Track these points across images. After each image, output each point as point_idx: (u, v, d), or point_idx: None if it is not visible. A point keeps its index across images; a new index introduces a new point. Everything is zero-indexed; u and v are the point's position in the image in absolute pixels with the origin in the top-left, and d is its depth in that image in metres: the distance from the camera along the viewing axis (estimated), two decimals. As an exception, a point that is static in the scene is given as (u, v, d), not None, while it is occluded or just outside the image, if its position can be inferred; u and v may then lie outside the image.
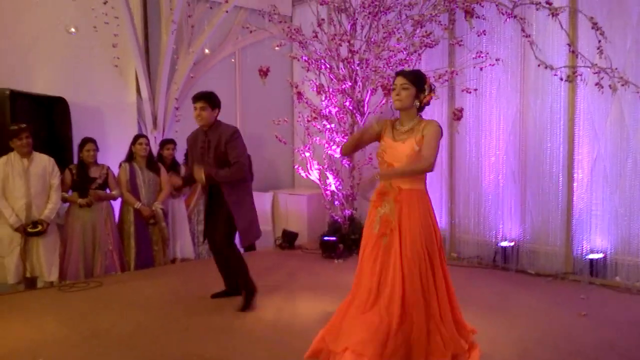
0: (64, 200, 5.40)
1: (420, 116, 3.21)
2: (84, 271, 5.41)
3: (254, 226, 4.58)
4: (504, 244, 5.87)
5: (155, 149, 6.31)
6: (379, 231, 3.10)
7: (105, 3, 6.15)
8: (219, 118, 4.56)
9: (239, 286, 4.56)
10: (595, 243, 5.32)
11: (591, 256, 5.27)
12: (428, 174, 3.20)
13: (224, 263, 4.68)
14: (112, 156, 6.00)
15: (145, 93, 6.73)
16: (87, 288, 5.09)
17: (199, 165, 4.36)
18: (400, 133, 3.16)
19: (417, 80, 3.13)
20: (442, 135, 3.15)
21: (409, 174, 3.10)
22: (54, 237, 5.24)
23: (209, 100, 4.42)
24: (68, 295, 4.92)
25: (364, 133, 3.32)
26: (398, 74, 3.18)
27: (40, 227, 5.01)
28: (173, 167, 6.16)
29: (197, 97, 4.44)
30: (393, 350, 2.87)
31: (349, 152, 3.55)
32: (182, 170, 6.24)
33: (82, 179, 5.45)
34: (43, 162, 5.15)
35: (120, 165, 5.82)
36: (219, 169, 4.34)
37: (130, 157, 5.79)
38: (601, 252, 5.26)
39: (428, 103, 3.21)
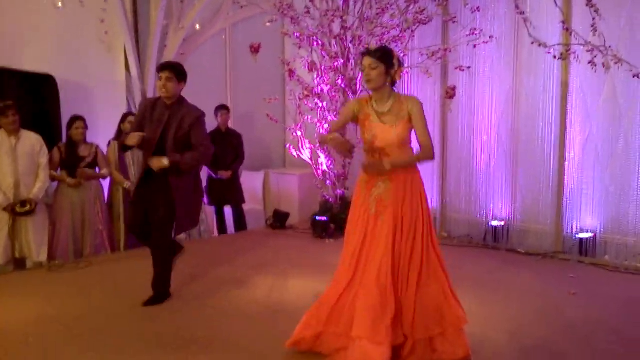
0: (53, 179, 5.34)
1: (394, 90, 3.17)
2: (73, 251, 5.37)
3: (194, 214, 4.37)
4: (495, 223, 5.90)
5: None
6: (376, 211, 3.08)
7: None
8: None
9: (155, 281, 4.20)
10: (585, 222, 5.34)
11: (581, 235, 5.31)
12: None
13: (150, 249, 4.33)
14: (102, 134, 5.93)
15: (134, 70, 6.63)
16: (77, 268, 5.06)
17: (150, 139, 4.01)
18: (384, 115, 3.11)
19: (385, 57, 3.06)
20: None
21: (415, 162, 3.14)
22: (43, 216, 5.19)
23: (175, 71, 4.06)
24: (58, 275, 4.89)
25: (343, 120, 3.28)
26: (364, 54, 3.11)
27: (28, 207, 4.95)
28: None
29: (163, 67, 4.07)
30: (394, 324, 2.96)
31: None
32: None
33: (71, 158, 5.39)
34: (31, 140, 5.07)
35: (109, 143, 5.76)
36: (176, 152, 4.02)
37: (119, 135, 5.72)
38: (591, 231, 5.29)
39: (400, 77, 3.16)
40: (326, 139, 3.12)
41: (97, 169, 5.57)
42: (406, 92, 6.47)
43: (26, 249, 5.04)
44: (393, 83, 3.15)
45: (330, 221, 6.38)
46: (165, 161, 3.96)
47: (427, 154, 3.12)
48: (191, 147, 4.05)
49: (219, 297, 4.30)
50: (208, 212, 6.59)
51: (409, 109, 3.09)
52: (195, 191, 4.33)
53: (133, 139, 3.98)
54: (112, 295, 4.35)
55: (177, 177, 4.05)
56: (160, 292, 4.20)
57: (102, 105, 6.47)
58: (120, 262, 5.32)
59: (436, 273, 3.10)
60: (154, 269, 4.22)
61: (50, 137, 5.56)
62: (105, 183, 5.79)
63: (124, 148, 4.29)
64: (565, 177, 5.42)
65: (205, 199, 6.22)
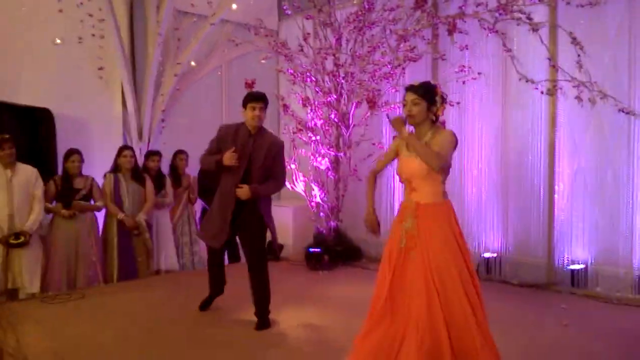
0: (48, 211, 5.36)
1: (437, 126, 3.17)
2: (66, 282, 5.36)
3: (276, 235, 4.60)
4: (487, 255, 5.93)
5: (141, 161, 6.30)
6: (406, 245, 3.10)
7: (91, 16, 6.18)
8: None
9: (257, 306, 4.34)
10: (576, 254, 5.39)
11: (572, 267, 5.34)
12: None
13: (219, 270, 4.64)
14: (98, 167, 5.98)
15: (131, 105, 6.74)
16: (70, 300, 5.04)
17: (237, 169, 4.19)
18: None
19: (427, 94, 3.08)
20: (457, 144, 3.12)
21: (423, 157, 3.03)
22: (37, 248, 5.19)
23: (266, 102, 4.31)
24: (50, 306, 4.87)
25: (389, 157, 3.36)
26: (408, 89, 3.13)
27: (22, 239, 4.96)
28: (158, 178, 6.15)
29: (258, 97, 4.25)
30: None
31: (376, 169, 3.49)
32: (168, 182, 6.24)
33: (66, 190, 5.43)
34: (27, 172, 5.12)
35: (104, 175, 5.81)
36: (260, 182, 4.23)
37: (115, 169, 5.79)
38: (582, 262, 5.33)
39: (442, 113, 3.18)
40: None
41: (92, 201, 5.61)
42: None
43: (19, 279, 5.02)
44: (435, 119, 3.16)
45: (324, 253, 6.40)
46: (248, 192, 4.15)
47: (436, 159, 2.99)
48: (271, 174, 4.29)
49: (209, 328, 4.29)
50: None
51: (440, 138, 3.09)
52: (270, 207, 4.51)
53: (231, 159, 4.13)
54: (104, 327, 4.32)
55: (260, 203, 4.27)
56: (266, 316, 4.33)
57: (99, 139, 6.55)
58: (113, 293, 5.29)
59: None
60: (253, 295, 4.34)
61: (47, 170, 5.61)
62: (100, 215, 5.82)
63: (217, 168, 4.31)
64: (555, 209, 5.50)
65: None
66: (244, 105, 4.28)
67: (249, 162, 4.22)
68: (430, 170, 3.06)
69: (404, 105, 3.13)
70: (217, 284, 4.73)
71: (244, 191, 4.17)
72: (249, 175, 4.22)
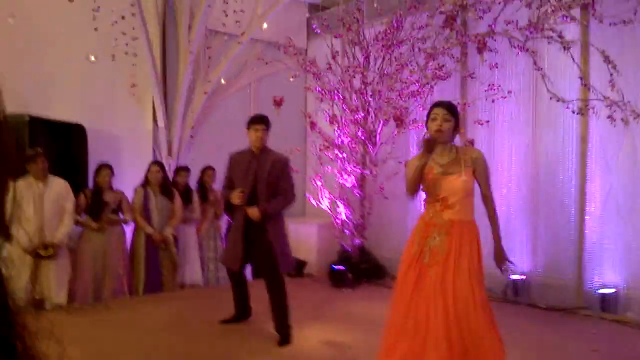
0: (77, 223, 5.47)
1: (454, 144, 3.22)
2: (93, 295, 5.45)
3: (289, 252, 4.61)
4: (515, 277, 5.80)
5: (171, 176, 6.40)
6: (429, 262, 3.08)
7: (124, 34, 6.35)
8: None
9: (276, 319, 4.37)
10: (607, 278, 5.23)
11: (603, 291, 5.18)
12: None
13: (242, 290, 4.72)
14: (128, 182, 6.09)
15: (161, 121, 6.86)
16: (95, 311, 5.11)
17: (243, 189, 4.29)
18: (447, 166, 3.13)
19: (456, 113, 3.15)
20: None
21: (493, 220, 3.22)
22: (66, 260, 5.30)
23: (267, 123, 4.43)
24: (76, 319, 4.94)
25: (419, 172, 3.22)
26: (439, 105, 3.16)
27: (51, 251, 5.07)
28: (186, 193, 6.23)
29: (258, 120, 4.40)
30: None
31: (414, 192, 3.32)
32: (195, 197, 6.31)
33: (96, 204, 5.54)
34: (58, 186, 5.24)
35: (135, 190, 5.91)
36: (267, 199, 4.30)
37: (145, 183, 5.89)
38: (613, 287, 5.17)
39: (459, 134, 3.25)
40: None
41: (121, 215, 5.70)
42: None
43: (46, 290, 5.12)
44: (453, 138, 3.21)
45: (348, 271, 6.36)
46: (257, 213, 4.24)
47: (493, 205, 3.20)
48: (278, 190, 4.35)
49: (233, 344, 4.29)
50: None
51: (474, 159, 3.13)
52: (285, 230, 4.57)
53: (237, 199, 4.28)
54: (129, 340, 4.36)
55: (269, 222, 4.32)
56: (286, 332, 4.34)
57: (129, 154, 6.69)
58: (139, 306, 5.35)
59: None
60: (272, 312, 4.38)
61: (78, 183, 5.74)
62: (128, 228, 5.91)
63: (227, 207, 4.53)
64: (587, 231, 5.35)
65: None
66: (248, 128, 4.43)
67: (255, 181, 4.33)
68: (472, 190, 3.13)
69: (434, 120, 3.11)
70: (242, 305, 4.77)
71: (253, 212, 4.26)
72: (256, 194, 4.31)
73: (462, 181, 3.08)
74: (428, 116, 3.17)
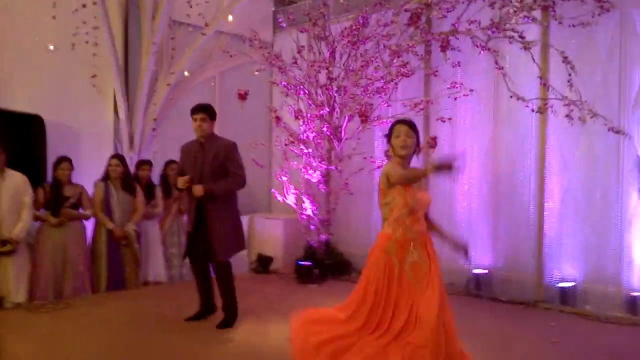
0: (36, 218, 5.31)
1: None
2: (53, 292, 5.30)
3: (233, 240, 4.59)
4: (477, 271, 5.93)
5: (133, 170, 6.26)
6: (414, 279, 3.05)
7: (85, 23, 6.17)
8: None
9: (223, 304, 4.59)
10: (565, 271, 5.41)
11: (562, 284, 5.36)
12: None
13: (205, 284, 4.72)
14: (88, 175, 5.93)
15: (122, 114, 6.70)
16: (56, 309, 4.98)
17: (190, 175, 4.40)
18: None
19: (417, 130, 3.19)
20: None
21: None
22: (24, 256, 5.14)
23: (208, 112, 4.51)
24: (36, 316, 4.80)
25: (417, 179, 3.19)
26: (401, 122, 3.18)
27: (9, 246, 4.91)
28: (148, 188, 6.12)
29: (198, 109, 4.50)
30: None
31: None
32: (158, 191, 6.21)
33: (55, 198, 5.39)
34: (16, 179, 5.08)
35: (95, 184, 5.77)
36: (215, 182, 4.38)
37: (106, 177, 5.75)
38: (572, 280, 5.35)
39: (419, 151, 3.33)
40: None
41: (81, 210, 5.56)
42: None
43: (5, 288, 4.96)
44: (413, 155, 3.24)
45: (314, 266, 6.38)
46: (200, 188, 4.32)
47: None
48: (228, 174, 4.44)
49: (197, 341, 4.24)
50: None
51: None
52: (233, 218, 4.60)
53: (182, 183, 4.39)
54: (90, 338, 4.27)
55: (214, 205, 4.38)
56: (233, 312, 4.58)
57: (89, 147, 6.50)
58: (101, 303, 5.23)
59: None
60: (221, 295, 4.59)
61: (36, 177, 5.56)
62: (89, 224, 5.77)
63: (178, 190, 4.68)
64: (545, 226, 5.52)
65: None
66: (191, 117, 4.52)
67: (201, 168, 4.42)
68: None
69: (397, 137, 3.13)
70: (206, 299, 4.74)
71: (197, 188, 4.34)
72: (202, 179, 4.41)
73: (429, 195, 3.23)
74: (390, 133, 3.19)
